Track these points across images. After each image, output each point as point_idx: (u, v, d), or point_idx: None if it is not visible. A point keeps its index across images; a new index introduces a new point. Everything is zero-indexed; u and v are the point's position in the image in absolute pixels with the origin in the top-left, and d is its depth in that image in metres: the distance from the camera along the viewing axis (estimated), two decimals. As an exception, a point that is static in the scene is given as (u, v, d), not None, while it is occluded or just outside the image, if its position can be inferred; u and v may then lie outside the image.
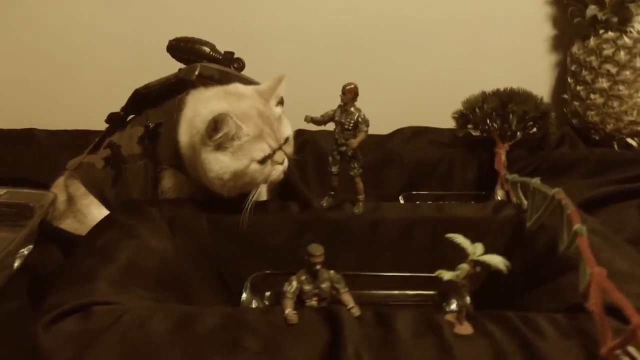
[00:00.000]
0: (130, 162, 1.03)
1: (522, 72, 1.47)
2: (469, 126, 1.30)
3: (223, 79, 1.00)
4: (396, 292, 0.93)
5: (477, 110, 1.26)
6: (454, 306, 0.90)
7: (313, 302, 0.69)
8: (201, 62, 1.02)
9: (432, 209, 0.95)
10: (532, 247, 0.86)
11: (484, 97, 1.27)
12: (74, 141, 1.31)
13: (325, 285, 0.68)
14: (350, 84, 0.87)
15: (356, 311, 0.65)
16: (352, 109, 0.88)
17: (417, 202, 0.99)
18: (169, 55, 1.07)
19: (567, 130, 1.37)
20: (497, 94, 1.25)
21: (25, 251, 1.03)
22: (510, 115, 1.24)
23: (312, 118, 0.89)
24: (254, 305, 0.92)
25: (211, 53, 1.03)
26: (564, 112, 1.43)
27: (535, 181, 0.88)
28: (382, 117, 1.47)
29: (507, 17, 1.45)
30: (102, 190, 1.06)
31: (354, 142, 0.88)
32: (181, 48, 1.03)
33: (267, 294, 0.94)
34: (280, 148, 0.93)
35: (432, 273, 0.91)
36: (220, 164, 0.89)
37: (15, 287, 0.97)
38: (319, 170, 1.32)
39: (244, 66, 1.06)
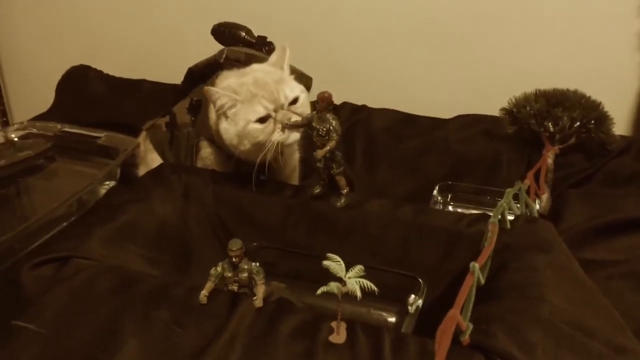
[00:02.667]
0: (181, 129, 1.20)
1: (609, 67, 1.35)
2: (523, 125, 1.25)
3: (249, 61, 1.11)
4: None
5: (526, 108, 1.21)
6: (412, 301, 0.95)
7: (234, 287, 0.79)
8: (236, 46, 1.12)
9: (411, 213, 0.97)
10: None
11: (535, 96, 1.21)
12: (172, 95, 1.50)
13: (243, 275, 0.78)
14: (324, 92, 0.92)
15: (258, 303, 0.75)
16: (327, 115, 0.93)
17: (400, 202, 1.01)
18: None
19: (637, 139, 1.26)
20: (544, 95, 1.19)
21: (108, 185, 1.26)
22: (564, 118, 1.18)
23: (289, 125, 0.96)
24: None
25: (245, 37, 1.13)
26: (642, 118, 1.30)
27: (503, 203, 0.87)
28: (455, 101, 1.48)
29: (598, 8, 1.34)
30: (162, 149, 1.24)
31: (319, 152, 0.93)
32: (221, 32, 1.14)
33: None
34: (282, 109, 1.00)
35: (402, 270, 0.98)
36: (227, 131, 1.02)
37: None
38: (366, 148, 1.38)
39: (274, 49, 1.15)
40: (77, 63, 1.74)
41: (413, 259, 0.97)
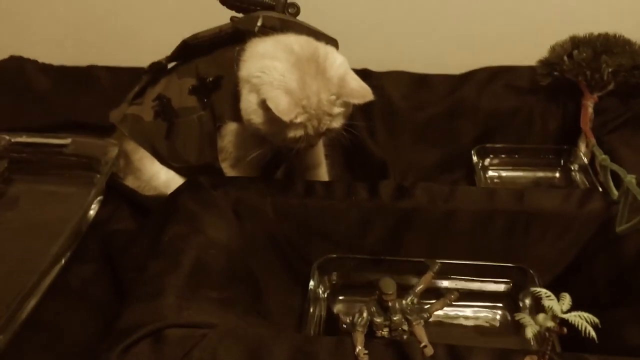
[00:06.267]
0: (182, 115, 1.00)
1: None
2: (556, 73, 1.17)
3: (284, 29, 0.95)
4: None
5: (565, 59, 1.14)
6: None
7: (384, 332, 0.67)
8: (259, 11, 0.95)
9: (512, 198, 0.88)
10: (621, 252, 0.80)
11: (574, 44, 1.13)
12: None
13: (397, 317, 0.65)
14: None
15: (429, 351, 0.63)
16: None
17: (494, 189, 0.92)
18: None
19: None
20: (589, 42, 1.11)
21: (95, 206, 1.05)
22: (603, 66, 1.11)
23: None
24: (321, 291, 0.91)
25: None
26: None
27: (630, 180, 0.79)
28: (461, 54, 1.36)
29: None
30: (152, 143, 1.03)
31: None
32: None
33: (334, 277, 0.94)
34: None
35: (506, 263, 0.89)
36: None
37: (89, 248, 0.99)
38: (386, 120, 1.25)
39: (299, 11, 0.99)
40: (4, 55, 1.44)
41: (519, 248, 0.88)
